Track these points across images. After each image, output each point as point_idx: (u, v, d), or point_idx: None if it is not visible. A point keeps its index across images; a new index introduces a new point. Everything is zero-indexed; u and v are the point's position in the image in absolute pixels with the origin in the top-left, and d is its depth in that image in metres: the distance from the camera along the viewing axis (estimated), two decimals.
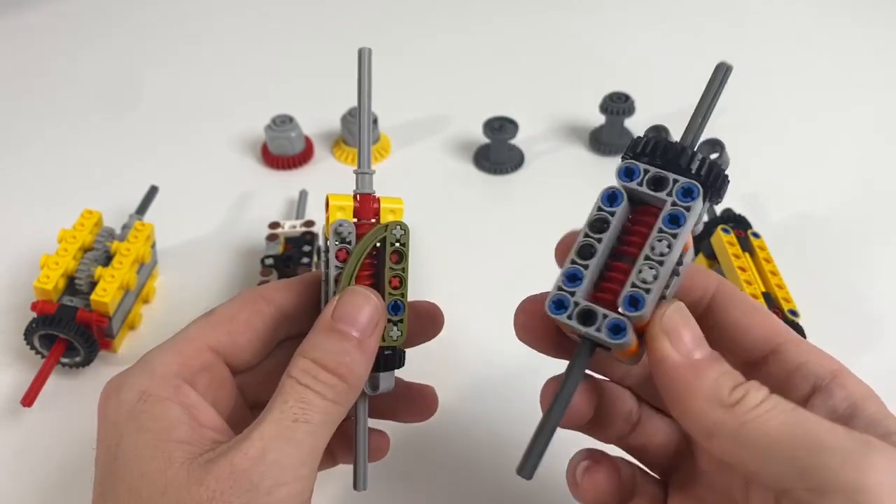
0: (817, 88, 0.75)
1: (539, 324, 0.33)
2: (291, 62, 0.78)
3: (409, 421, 0.39)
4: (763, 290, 0.50)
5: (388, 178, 0.65)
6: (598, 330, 0.30)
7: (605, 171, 0.66)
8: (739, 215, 0.56)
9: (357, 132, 0.36)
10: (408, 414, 0.39)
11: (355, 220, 0.35)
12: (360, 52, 0.35)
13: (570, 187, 0.64)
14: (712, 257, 0.54)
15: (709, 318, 0.34)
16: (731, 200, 0.59)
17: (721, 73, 0.33)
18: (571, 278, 0.31)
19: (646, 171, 0.31)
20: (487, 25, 0.83)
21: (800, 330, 0.48)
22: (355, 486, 0.35)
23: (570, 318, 0.30)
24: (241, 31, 0.83)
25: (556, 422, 0.30)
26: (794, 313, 0.48)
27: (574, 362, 0.31)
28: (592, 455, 0.35)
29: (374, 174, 0.35)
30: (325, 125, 0.69)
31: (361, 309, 0.33)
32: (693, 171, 0.31)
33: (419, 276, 0.55)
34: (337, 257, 0.34)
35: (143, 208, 0.57)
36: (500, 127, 0.64)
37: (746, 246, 0.53)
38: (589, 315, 0.30)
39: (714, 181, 0.31)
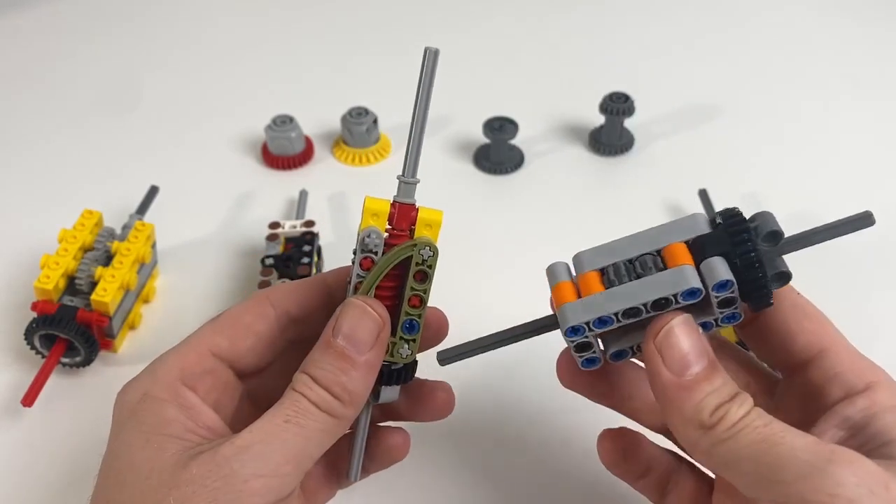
0: (817, 88, 0.75)
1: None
2: (291, 62, 0.78)
3: (425, 420, 0.38)
4: None
5: (388, 178, 0.65)
6: (582, 358, 0.34)
7: (605, 172, 0.66)
8: None
9: (409, 136, 0.33)
10: (423, 413, 0.38)
11: (390, 227, 0.34)
12: (427, 51, 0.32)
13: (570, 187, 0.65)
14: None
15: (758, 320, 0.34)
16: (732, 200, 0.59)
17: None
18: (603, 323, 0.32)
19: (732, 291, 0.31)
20: (487, 25, 0.83)
21: None
22: (347, 476, 0.37)
23: (572, 342, 0.33)
24: (241, 31, 0.83)
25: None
26: None
27: (519, 328, 0.35)
28: (615, 429, 0.37)
29: (417, 183, 0.34)
30: (325, 125, 0.69)
31: (360, 324, 0.32)
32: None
33: None
34: (361, 265, 0.33)
35: (143, 208, 0.57)
36: (500, 127, 0.64)
37: None
38: (585, 346, 0.33)
39: (759, 298, 0.32)
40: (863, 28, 0.83)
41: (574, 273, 0.34)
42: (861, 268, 0.57)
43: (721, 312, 0.32)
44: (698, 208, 0.59)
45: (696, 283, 0.31)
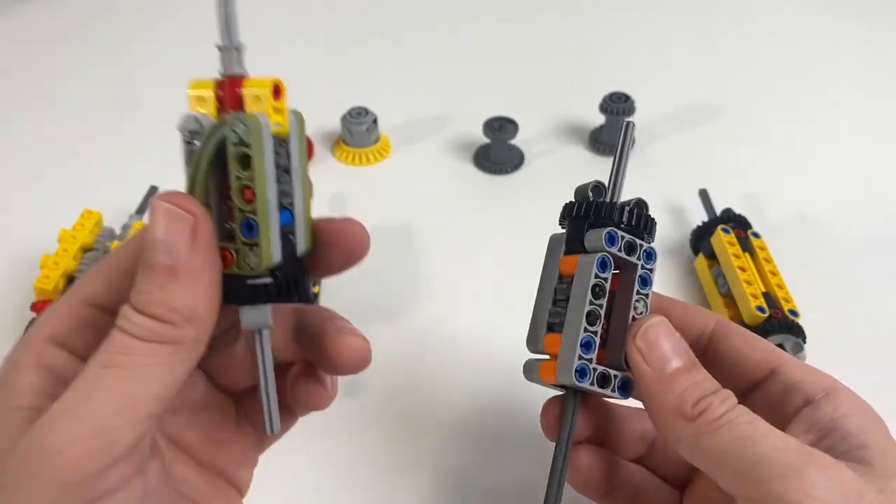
0: (818, 89, 0.75)
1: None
2: (291, 62, 0.78)
3: (338, 269, 0.31)
4: (763, 290, 0.50)
5: (388, 177, 0.65)
6: (613, 390, 0.33)
7: (605, 172, 0.65)
8: (739, 215, 0.56)
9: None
10: (333, 262, 0.31)
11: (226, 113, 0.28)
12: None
13: (570, 187, 0.64)
14: (712, 257, 0.54)
15: (710, 351, 0.36)
16: (732, 200, 0.59)
17: (628, 131, 0.36)
18: (587, 346, 0.33)
19: (622, 238, 0.34)
20: (488, 25, 0.83)
21: (800, 330, 0.48)
22: (264, 429, 0.31)
23: (592, 383, 0.33)
24: (241, 31, 0.83)
25: (561, 475, 0.33)
26: (794, 313, 0.48)
27: (567, 413, 0.34)
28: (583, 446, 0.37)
29: (240, 48, 0.27)
30: (325, 125, 0.69)
31: (169, 228, 0.27)
32: (635, 228, 0.35)
33: (419, 275, 0.55)
34: (188, 164, 0.28)
35: (143, 208, 0.57)
36: (500, 127, 0.64)
37: (746, 246, 0.53)
38: (605, 378, 0.33)
39: (650, 229, 0.35)
40: (863, 28, 0.83)
41: (538, 355, 0.35)
42: (864, 267, 0.57)
43: (637, 257, 0.34)
44: (698, 208, 0.59)
45: (598, 253, 0.33)
